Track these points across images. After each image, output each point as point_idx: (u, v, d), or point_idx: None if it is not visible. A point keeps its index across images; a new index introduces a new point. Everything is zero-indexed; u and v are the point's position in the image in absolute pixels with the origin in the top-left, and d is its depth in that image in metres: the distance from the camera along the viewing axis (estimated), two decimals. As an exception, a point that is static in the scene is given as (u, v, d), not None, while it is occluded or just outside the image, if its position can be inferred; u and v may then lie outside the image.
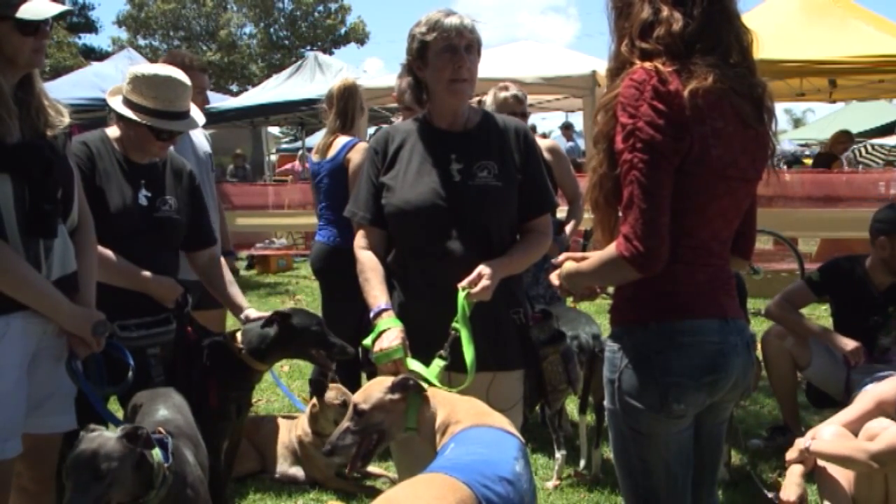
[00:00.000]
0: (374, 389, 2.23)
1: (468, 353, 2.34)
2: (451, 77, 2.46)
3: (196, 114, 3.09)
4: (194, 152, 3.90)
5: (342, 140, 4.26)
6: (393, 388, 2.20)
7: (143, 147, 2.97)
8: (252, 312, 3.20)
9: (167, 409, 2.54)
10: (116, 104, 2.93)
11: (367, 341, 2.41)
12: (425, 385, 2.24)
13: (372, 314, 2.44)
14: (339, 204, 4.11)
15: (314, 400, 3.94)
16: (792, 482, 3.08)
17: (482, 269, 2.40)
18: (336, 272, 4.19)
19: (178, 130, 3.03)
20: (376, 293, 2.47)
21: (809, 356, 4.17)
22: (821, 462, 3.11)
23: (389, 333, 2.36)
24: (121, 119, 2.95)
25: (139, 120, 2.88)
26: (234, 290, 3.27)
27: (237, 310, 3.23)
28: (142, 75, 2.91)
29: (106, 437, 2.07)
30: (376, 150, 2.62)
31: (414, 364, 2.33)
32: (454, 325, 2.37)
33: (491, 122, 2.63)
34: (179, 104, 2.95)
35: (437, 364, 2.35)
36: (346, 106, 4.30)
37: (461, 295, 2.37)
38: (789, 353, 4.20)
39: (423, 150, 2.55)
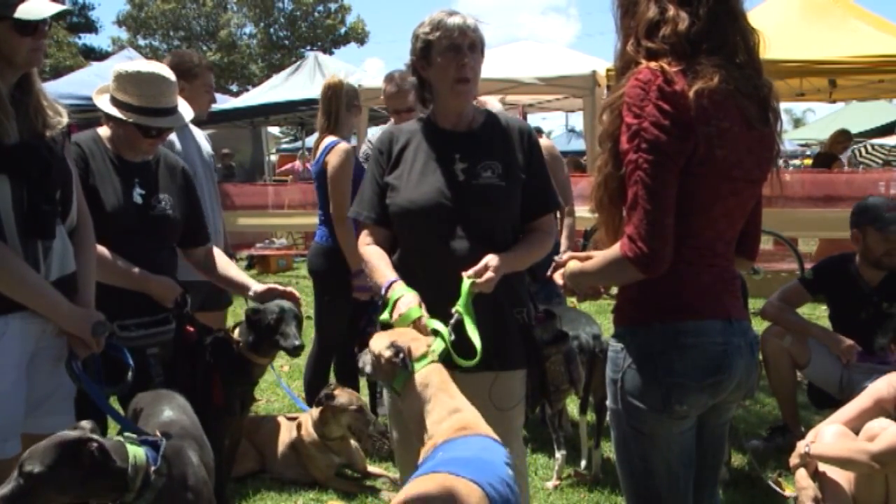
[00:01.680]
0: (380, 337, 2.23)
1: (474, 336, 2.32)
2: (456, 76, 2.47)
3: (185, 109, 3.05)
4: (199, 154, 3.89)
5: (326, 141, 4.25)
6: (389, 346, 2.17)
7: (132, 145, 2.96)
8: (257, 287, 3.16)
9: (172, 410, 2.51)
10: (103, 103, 2.92)
11: (385, 315, 2.38)
12: (438, 362, 2.18)
13: (383, 289, 2.42)
14: (326, 205, 4.15)
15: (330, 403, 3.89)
16: (802, 486, 3.08)
17: (489, 259, 2.41)
18: (327, 271, 4.21)
19: (166, 127, 3.00)
20: (383, 271, 2.46)
21: (808, 355, 4.18)
22: (821, 466, 3.10)
23: (404, 299, 2.34)
24: (109, 118, 2.93)
25: (125, 118, 2.87)
26: (234, 272, 3.24)
27: (243, 289, 3.19)
28: (126, 73, 2.89)
29: (53, 441, 1.99)
30: (381, 150, 2.63)
31: (434, 323, 2.30)
32: (456, 308, 2.35)
33: (495, 121, 2.63)
34: (165, 100, 2.92)
35: (439, 344, 2.30)
36: (331, 105, 4.27)
37: (466, 283, 2.37)
38: (788, 351, 4.20)
39: (427, 150, 2.55)
